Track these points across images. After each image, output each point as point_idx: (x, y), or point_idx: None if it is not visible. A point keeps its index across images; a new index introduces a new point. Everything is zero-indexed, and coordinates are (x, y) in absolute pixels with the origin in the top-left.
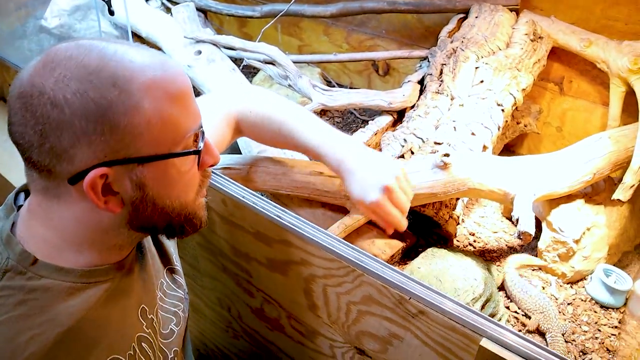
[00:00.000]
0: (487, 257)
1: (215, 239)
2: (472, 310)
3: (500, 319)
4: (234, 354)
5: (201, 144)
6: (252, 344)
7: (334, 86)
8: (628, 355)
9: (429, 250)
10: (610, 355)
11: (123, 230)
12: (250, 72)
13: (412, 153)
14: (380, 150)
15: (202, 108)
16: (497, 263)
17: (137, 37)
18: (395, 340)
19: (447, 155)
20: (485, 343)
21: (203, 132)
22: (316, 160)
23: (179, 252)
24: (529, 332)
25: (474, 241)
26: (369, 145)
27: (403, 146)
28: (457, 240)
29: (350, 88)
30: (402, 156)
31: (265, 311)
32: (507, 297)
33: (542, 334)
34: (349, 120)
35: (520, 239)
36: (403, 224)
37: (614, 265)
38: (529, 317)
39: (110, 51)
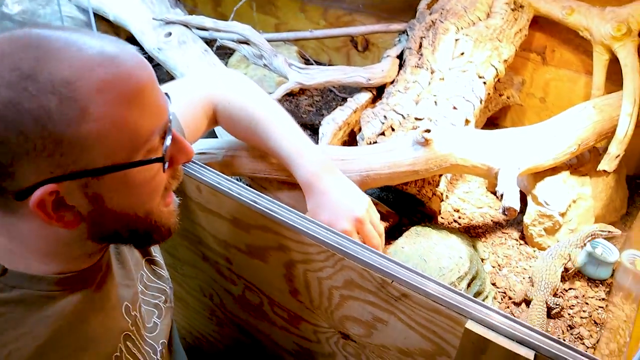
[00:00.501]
0: (473, 233)
1: (193, 227)
2: (457, 291)
3: (486, 297)
4: (219, 342)
5: (168, 141)
6: (237, 331)
7: (311, 64)
8: (616, 327)
9: (413, 229)
10: (597, 328)
11: (87, 242)
12: (225, 52)
13: (393, 130)
14: (360, 129)
15: (178, 93)
16: (483, 239)
17: (104, 21)
18: (379, 324)
19: (428, 131)
20: (470, 325)
21: (170, 128)
22: (286, 168)
23: None
24: (515, 304)
25: (459, 217)
26: (348, 124)
27: (383, 123)
28: (442, 217)
29: (329, 65)
30: (383, 133)
31: (247, 298)
32: None
33: (528, 304)
34: (329, 98)
35: (505, 214)
36: None
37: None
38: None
39: (50, 47)
